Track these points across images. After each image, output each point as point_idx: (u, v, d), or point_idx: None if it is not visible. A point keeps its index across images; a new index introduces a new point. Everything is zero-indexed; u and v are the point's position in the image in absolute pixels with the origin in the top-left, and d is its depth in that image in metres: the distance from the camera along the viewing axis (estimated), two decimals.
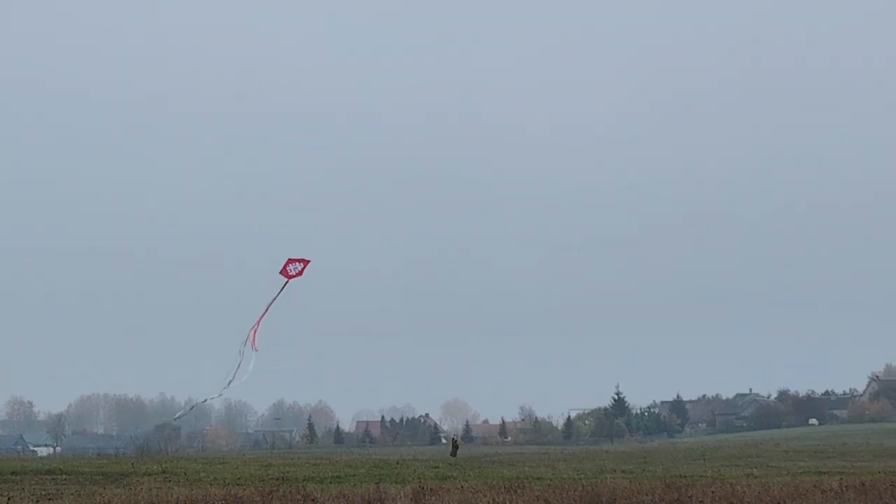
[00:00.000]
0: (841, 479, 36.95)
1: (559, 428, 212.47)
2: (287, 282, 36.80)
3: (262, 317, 36.60)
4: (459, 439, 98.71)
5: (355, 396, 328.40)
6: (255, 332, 36.23)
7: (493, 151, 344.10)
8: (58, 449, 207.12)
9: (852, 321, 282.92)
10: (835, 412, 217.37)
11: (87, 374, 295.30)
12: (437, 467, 53.70)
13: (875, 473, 43.38)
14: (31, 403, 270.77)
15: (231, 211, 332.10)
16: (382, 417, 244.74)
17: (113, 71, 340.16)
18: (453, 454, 76.81)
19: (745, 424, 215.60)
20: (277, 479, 41.11)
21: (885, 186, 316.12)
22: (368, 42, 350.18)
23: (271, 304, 36.64)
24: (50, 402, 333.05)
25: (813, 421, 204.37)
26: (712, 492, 31.70)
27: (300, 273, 36.96)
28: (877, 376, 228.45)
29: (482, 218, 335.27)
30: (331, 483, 39.48)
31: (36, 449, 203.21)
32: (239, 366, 36.11)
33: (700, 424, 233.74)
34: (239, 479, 41.93)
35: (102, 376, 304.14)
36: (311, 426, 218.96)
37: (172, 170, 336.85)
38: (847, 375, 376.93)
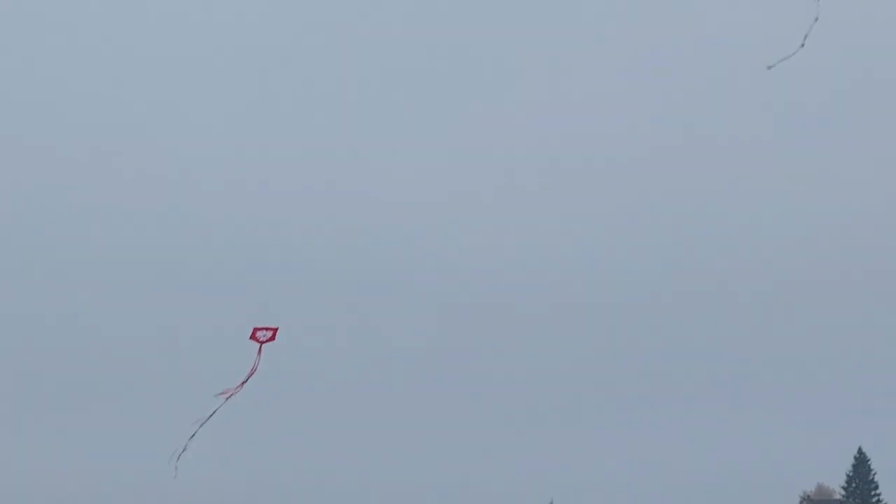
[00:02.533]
0: None
1: None
2: (260, 347, 36.32)
3: (241, 385, 35.82)
4: None
5: None
6: (229, 395, 35.53)
7: None
8: None
9: (779, 432, 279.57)
10: None
11: None
12: None
13: None
14: None
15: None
16: None
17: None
18: None
19: None
20: None
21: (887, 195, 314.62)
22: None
23: (251, 373, 35.96)
24: None
25: None
26: None
27: (272, 338, 36.49)
28: (808, 496, 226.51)
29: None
30: None
31: None
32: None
33: None
34: None
35: None
36: None
37: None
38: (775, 495, 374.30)
